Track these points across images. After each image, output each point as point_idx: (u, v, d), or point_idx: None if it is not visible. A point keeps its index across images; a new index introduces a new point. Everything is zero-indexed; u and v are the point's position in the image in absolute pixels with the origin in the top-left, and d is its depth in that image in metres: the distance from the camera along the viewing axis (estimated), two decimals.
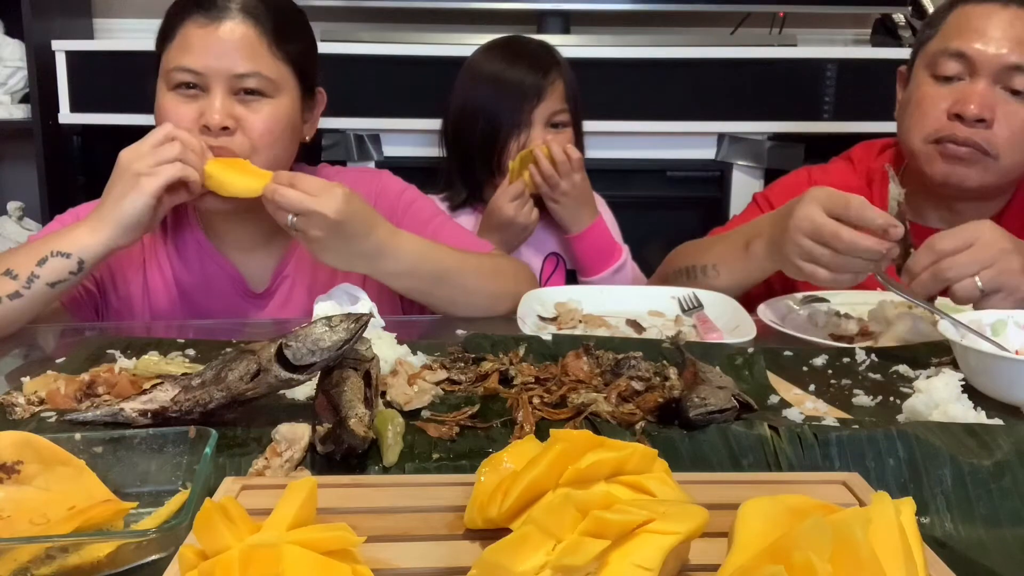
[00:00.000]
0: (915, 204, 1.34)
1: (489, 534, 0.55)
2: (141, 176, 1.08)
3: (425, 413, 0.81)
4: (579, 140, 1.72)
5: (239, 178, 1.13)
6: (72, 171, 2.40)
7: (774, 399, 0.87)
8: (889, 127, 1.54)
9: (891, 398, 0.88)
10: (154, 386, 0.79)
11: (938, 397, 0.82)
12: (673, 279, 1.39)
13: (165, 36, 1.21)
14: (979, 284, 1.04)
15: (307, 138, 1.31)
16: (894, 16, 2.41)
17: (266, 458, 0.70)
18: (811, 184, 1.49)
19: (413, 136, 2.22)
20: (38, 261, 1.07)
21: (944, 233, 1.07)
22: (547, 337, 1.03)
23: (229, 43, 1.16)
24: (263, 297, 1.31)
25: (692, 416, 0.76)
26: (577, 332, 1.13)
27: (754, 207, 1.54)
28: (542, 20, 2.45)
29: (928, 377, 0.88)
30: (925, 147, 1.33)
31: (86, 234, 1.09)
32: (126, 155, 1.11)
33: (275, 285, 1.31)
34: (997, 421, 0.79)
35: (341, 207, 1.07)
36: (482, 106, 1.65)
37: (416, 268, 1.18)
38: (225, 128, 1.16)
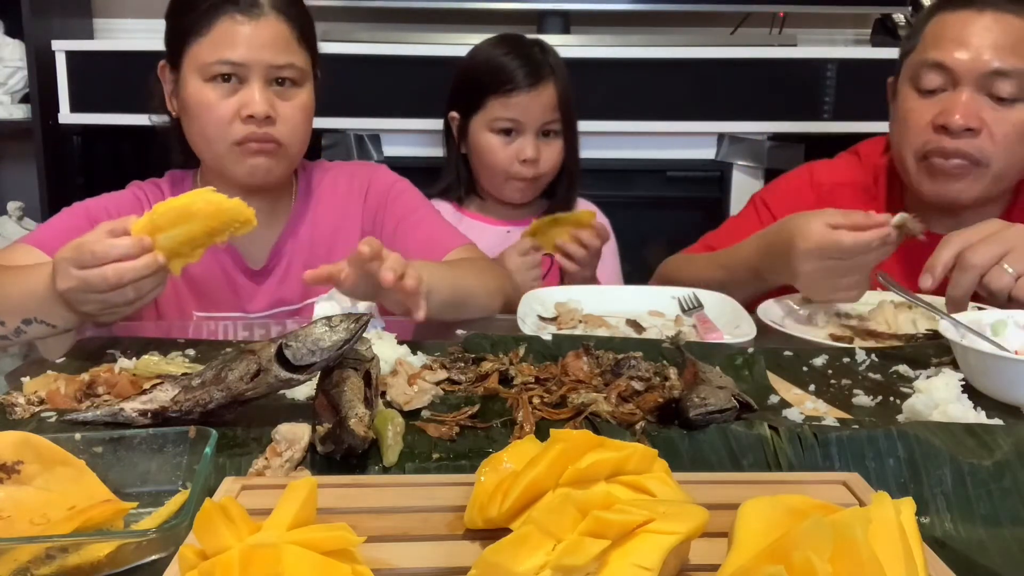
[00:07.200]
0: (919, 211, 1.30)
1: (489, 534, 0.55)
2: (94, 316, 1.03)
3: (425, 413, 0.81)
4: (573, 146, 1.69)
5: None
6: (72, 171, 2.41)
7: (774, 399, 0.87)
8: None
9: (891, 398, 0.88)
10: (154, 386, 0.79)
11: (938, 397, 0.81)
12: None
13: (194, 30, 1.25)
14: (1008, 268, 1.05)
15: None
16: (894, 16, 2.41)
17: (266, 458, 0.70)
18: (813, 183, 1.48)
19: (413, 136, 2.22)
20: (24, 320, 1.05)
21: (956, 232, 1.09)
22: (547, 337, 1.03)
23: (267, 37, 1.25)
24: (260, 274, 1.34)
25: (692, 416, 0.76)
26: (577, 332, 1.13)
27: (752, 210, 1.52)
28: (542, 20, 2.45)
29: (928, 377, 0.88)
30: (915, 164, 1.33)
31: (68, 310, 1.03)
32: (73, 287, 0.97)
33: (272, 263, 1.35)
34: (997, 421, 0.79)
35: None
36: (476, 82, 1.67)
37: (443, 296, 1.13)
38: (267, 117, 1.24)
